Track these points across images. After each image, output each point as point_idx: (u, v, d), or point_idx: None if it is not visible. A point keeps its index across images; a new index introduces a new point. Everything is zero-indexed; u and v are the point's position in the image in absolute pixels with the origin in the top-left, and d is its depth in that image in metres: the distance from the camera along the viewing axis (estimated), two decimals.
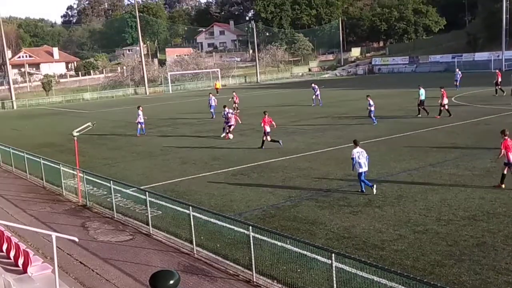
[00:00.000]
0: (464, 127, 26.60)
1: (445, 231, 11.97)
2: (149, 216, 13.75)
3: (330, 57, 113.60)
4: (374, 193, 15.30)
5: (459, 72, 46.98)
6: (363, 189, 15.61)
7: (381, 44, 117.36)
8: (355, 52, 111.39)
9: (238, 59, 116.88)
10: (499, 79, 40.38)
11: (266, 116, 24.78)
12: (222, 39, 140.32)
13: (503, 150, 15.18)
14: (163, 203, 15.03)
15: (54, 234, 9.51)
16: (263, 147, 24.31)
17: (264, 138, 24.53)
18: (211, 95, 39.45)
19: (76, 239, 9.98)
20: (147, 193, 14.16)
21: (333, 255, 8.72)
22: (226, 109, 28.92)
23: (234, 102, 39.95)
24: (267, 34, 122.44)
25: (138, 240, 13.29)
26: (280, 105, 44.17)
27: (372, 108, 29.44)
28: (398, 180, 16.90)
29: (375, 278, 9.20)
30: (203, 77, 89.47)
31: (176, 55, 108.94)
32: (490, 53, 76.95)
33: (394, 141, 24.12)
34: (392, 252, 10.96)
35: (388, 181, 16.87)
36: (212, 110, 37.85)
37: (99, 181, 18.09)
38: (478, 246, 10.94)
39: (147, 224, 13.78)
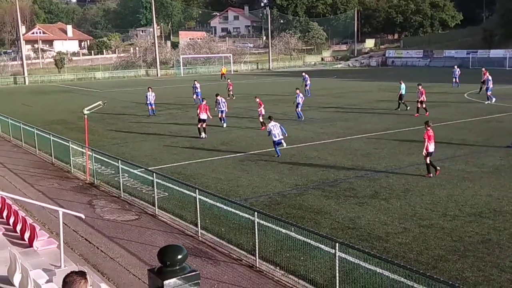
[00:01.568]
0: (475, 123, 26.39)
1: (450, 226, 11.94)
2: (156, 197, 13.82)
3: (344, 47, 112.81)
4: (284, 146, 19.95)
5: (458, 69, 46.10)
6: (279, 154, 19.59)
7: (396, 36, 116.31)
8: (369, 43, 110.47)
9: (251, 45, 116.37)
10: (484, 79, 38.98)
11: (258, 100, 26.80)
12: (236, 24, 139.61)
13: (426, 140, 16.18)
14: (170, 185, 15.10)
15: (61, 210, 9.60)
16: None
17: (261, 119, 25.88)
18: (196, 82, 38.92)
19: (83, 216, 10.07)
20: (154, 174, 14.22)
21: (337, 244, 8.72)
22: (219, 97, 27.86)
23: (229, 90, 39.97)
24: (281, 21, 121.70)
25: (143, 220, 13.37)
26: (291, 93, 44.00)
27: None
28: (406, 173, 16.83)
29: (378, 270, 9.22)
30: (215, 61, 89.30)
31: (189, 39, 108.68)
32: (506, 51, 76.08)
33: (404, 134, 24.00)
34: (396, 245, 10.95)
35: (396, 174, 16.81)
36: (199, 96, 35.44)
37: (108, 160, 18.20)
38: (483, 243, 10.90)
39: (153, 205, 13.86)
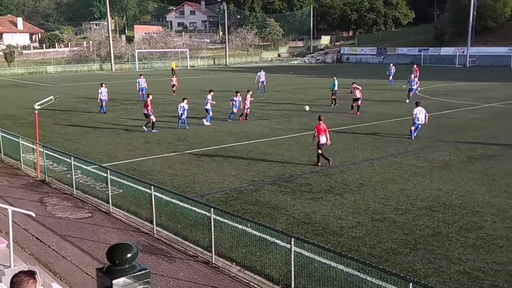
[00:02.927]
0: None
1: (402, 220, 12.25)
2: (110, 194, 13.57)
3: (300, 43, 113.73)
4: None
5: (393, 67, 47.05)
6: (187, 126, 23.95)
7: (351, 33, 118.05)
8: (325, 40, 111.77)
9: (208, 40, 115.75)
10: (417, 75, 39.31)
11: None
12: (192, 19, 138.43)
13: (316, 133, 17.47)
14: (125, 181, 14.85)
15: (10, 208, 9.29)
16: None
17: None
18: (142, 76, 38.28)
19: (33, 214, 9.78)
20: (108, 170, 13.96)
21: (292, 239, 8.80)
22: (209, 96, 27.22)
23: (173, 86, 39.61)
24: (238, 17, 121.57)
25: (97, 218, 13.12)
26: (247, 89, 44.02)
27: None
28: (360, 168, 17.16)
29: (332, 264, 9.36)
30: (171, 56, 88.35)
31: (145, 33, 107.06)
32: (456, 49, 78.51)
33: (359, 130, 24.44)
34: (350, 239, 11.15)
35: (350, 169, 17.11)
36: (143, 92, 35.41)
37: (60, 157, 17.72)
38: (433, 236, 11.23)
39: (107, 202, 13.62)
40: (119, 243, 4.06)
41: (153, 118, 24.63)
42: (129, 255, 3.96)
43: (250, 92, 28.50)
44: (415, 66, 43.07)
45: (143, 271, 4.00)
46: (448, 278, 9.29)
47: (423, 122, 22.34)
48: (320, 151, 17.45)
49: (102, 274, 3.96)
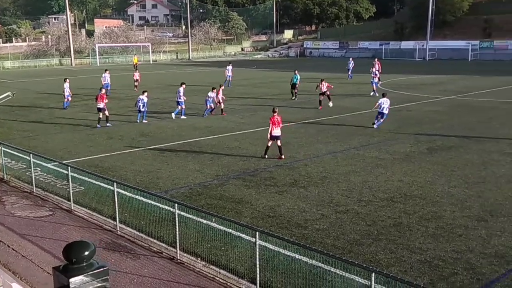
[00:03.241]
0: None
1: (365, 211, 12.45)
2: (71, 191, 13.31)
3: (263, 37, 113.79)
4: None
5: (352, 61, 47.74)
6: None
7: (314, 27, 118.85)
8: (288, 34, 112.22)
9: (171, 34, 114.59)
10: (378, 69, 39.70)
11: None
12: (154, 13, 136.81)
13: (270, 125, 17.57)
14: (86, 178, 14.60)
15: None
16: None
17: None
18: (107, 71, 37.95)
19: None
20: (69, 167, 13.67)
21: (257, 233, 8.82)
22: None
23: (136, 81, 39.21)
24: (201, 10, 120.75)
25: (58, 216, 12.85)
26: (212, 83, 43.87)
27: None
28: (324, 161, 17.34)
29: (297, 256, 9.45)
30: (133, 50, 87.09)
31: (105, 27, 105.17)
32: (415, 42, 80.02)
33: (322, 123, 24.67)
34: (314, 231, 11.26)
35: (314, 162, 17.26)
36: (108, 88, 35.32)
37: (18, 154, 17.27)
38: (395, 227, 11.46)
39: (69, 200, 13.35)
40: (76, 240, 3.99)
41: (106, 112, 24.44)
42: (86, 252, 3.90)
43: (222, 87, 28.48)
44: (376, 59, 43.66)
45: (101, 269, 3.94)
46: (410, 267, 9.50)
47: (386, 112, 23.07)
48: (278, 144, 17.65)
49: (59, 272, 3.88)
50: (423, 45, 77.70)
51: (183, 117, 26.48)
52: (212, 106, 27.36)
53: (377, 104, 23.41)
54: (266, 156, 17.73)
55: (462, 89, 37.76)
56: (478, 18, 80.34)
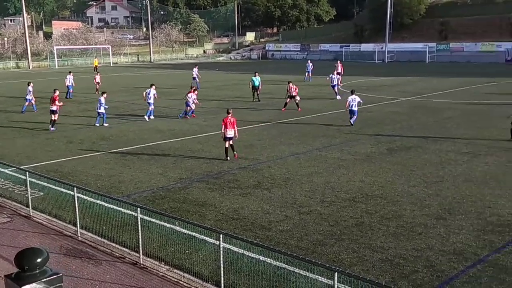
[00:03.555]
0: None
1: (328, 212, 12.59)
2: (29, 197, 12.98)
3: (225, 40, 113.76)
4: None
5: (310, 64, 48.13)
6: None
7: (275, 30, 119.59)
8: (250, 36, 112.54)
9: (131, 36, 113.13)
10: (340, 71, 40.02)
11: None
12: (114, 15, 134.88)
13: (223, 126, 17.78)
14: (45, 183, 14.27)
15: None
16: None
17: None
18: (71, 73, 37.53)
19: None
20: (27, 173, 13.33)
21: (221, 236, 8.81)
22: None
23: (97, 83, 38.68)
24: (162, 12, 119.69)
25: (16, 222, 12.51)
26: (174, 86, 43.60)
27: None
28: (287, 163, 17.45)
29: (261, 258, 9.48)
30: (93, 53, 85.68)
31: (64, 29, 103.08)
32: (375, 45, 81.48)
33: (285, 125, 24.83)
34: (278, 233, 11.32)
35: (277, 164, 17.35)
36: (71, 90, 36.04)
37: None
38: (357, 226, 11.64)
39: (27, 206, 13.01)
40: (28, 248, 3.90)
41: (56, 116, 24.24)
42: (39, 260, 3.82)
43: (196, 92, 28.44)
44: (338, 62, 44.18)
45: (55, 276, 3.87)
46: (372, 266, 9.66)
47: (355, 109, 24.02)
48: (227, 145, 17.78)
49: (11, 281, 3.80)
50: (382, 48, 79.18)
51: (151, 117, 26.58)
52: (193, 108, 27.18)
53: (347, 102, 24.16)
54: (229, 158, 17.73)
55: (420, 91, 38.66)
56: (434, 21, 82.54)
